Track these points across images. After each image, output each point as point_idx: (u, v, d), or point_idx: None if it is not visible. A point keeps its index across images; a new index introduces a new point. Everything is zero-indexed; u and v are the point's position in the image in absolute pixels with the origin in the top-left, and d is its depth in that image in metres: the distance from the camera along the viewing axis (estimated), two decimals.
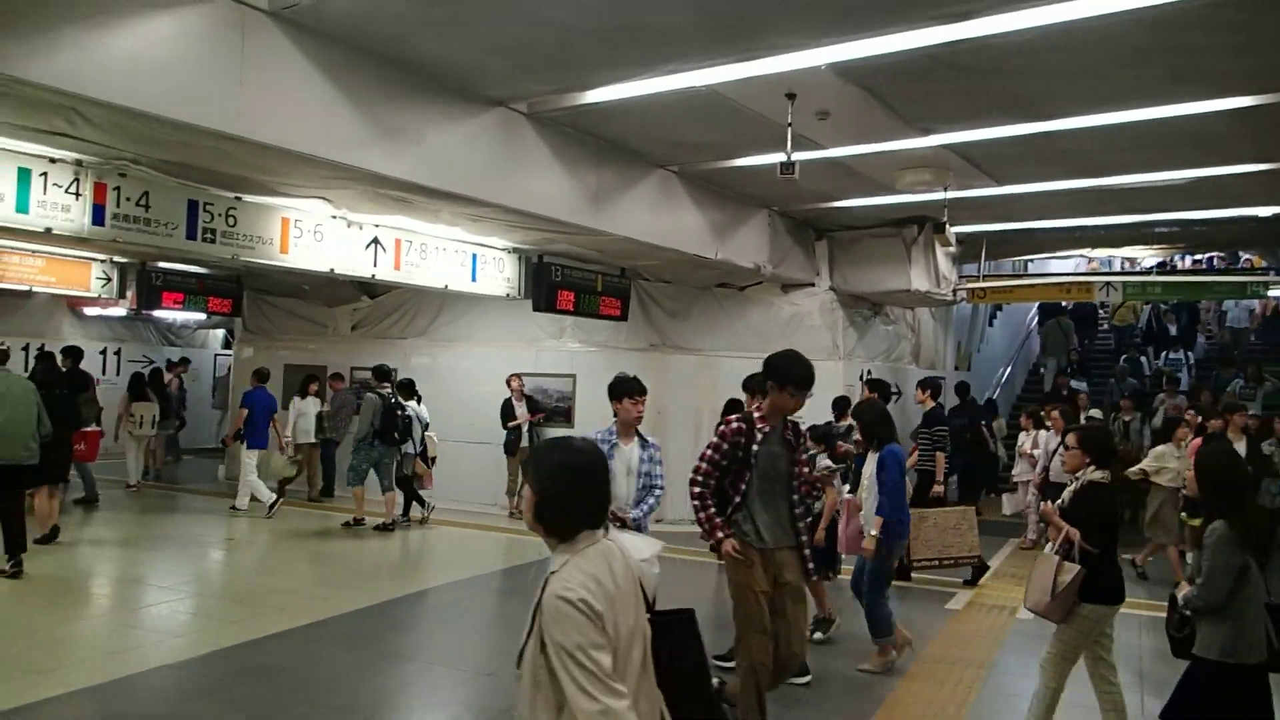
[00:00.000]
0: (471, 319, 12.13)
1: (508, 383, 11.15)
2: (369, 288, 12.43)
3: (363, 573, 8.50)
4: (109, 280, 11.66)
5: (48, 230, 6.23)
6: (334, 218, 7.96)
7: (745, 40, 5.06)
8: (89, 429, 10.21)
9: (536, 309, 9.63)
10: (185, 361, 15.94)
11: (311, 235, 7.83)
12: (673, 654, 2.41)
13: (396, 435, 9.90)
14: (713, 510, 4.50)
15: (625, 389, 5.35)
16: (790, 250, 10.30)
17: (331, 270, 8.15)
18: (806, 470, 4.75)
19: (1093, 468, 4.31)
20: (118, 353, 16.22)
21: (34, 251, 10.55)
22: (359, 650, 6.12)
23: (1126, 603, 4.36)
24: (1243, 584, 3.60)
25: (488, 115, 6.36)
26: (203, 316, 13.91)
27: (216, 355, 18.49)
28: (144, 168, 6.38)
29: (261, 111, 4.89)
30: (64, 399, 8.49)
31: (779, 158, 6.38)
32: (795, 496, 4.61)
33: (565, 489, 2.28)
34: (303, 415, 11.71)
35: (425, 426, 10.55)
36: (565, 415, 11.67)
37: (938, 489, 8.77)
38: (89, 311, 15.33)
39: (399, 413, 9.98)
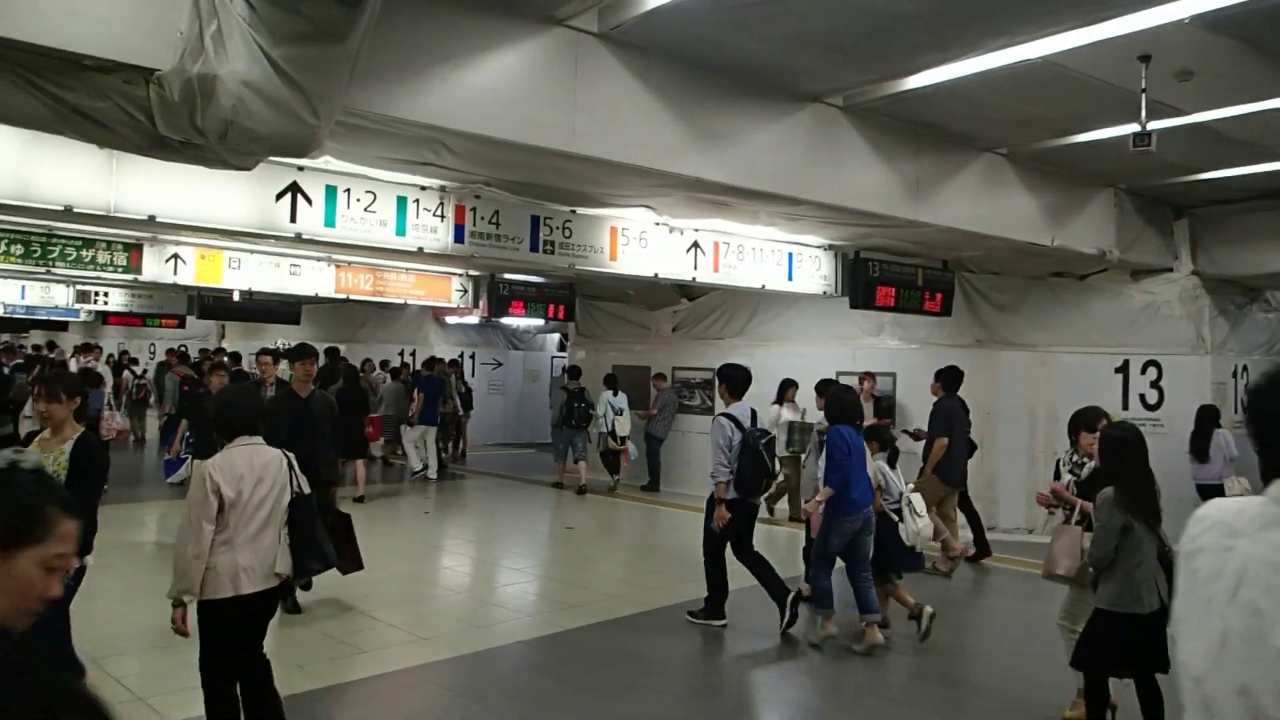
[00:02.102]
0: (788, 318, 12.14)
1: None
2: (688, 290, 12.88)
3: (695, 565, 8.81)
4: (466, 292, 13.12)
5: (420, 250, 7.11)
6: (657, 224, 8.34)
7: (1091, 2, 4.59)
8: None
9: (854, 306, 9.43)
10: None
11: (637, 242, 8.27)
12: (302, 517, 3.99)
13: (574, 420, 12.43)
14: None
15: None
16: (1141, 232, 9.20)
17: (655, 274, 8.54)
18: None
19: None
20: (472, 356, 18.21)
21: (407, 269, 12.15)
22: (691, 640, 6.35)
23: None
24: (1127, 543, 4.12)
25: (802, 112, 6.33)
26: (541, 322, 15.22)
27: (553, 357, 20.15)
28: (494, 189, 7.08)
29: (593, 129, 5.24)
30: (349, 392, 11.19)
31: (1130, 129, 5.72)
32: None
33: (223, 410, 4.06)
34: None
35: (618, 412, 12.45)
36: (887, 414, 11.30)
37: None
38: (450, 320, 17.40)
39: (576, 403, 12.47)
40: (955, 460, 8.66)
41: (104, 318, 17.75)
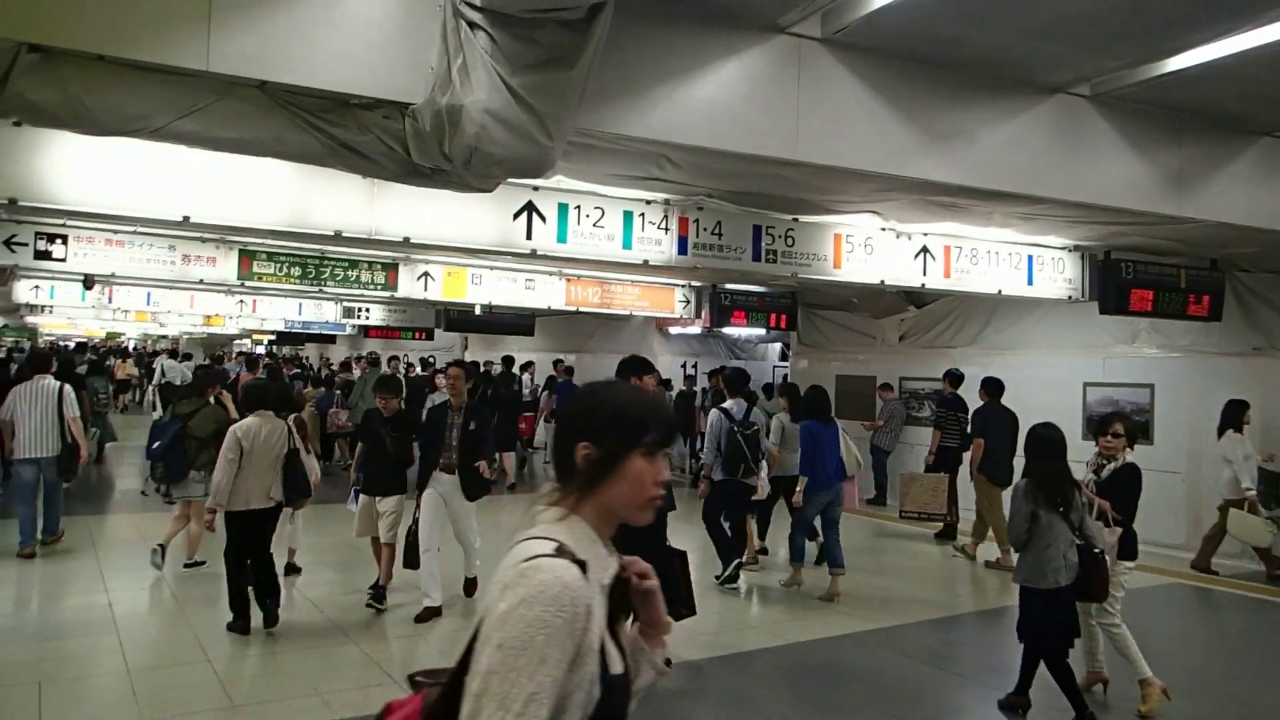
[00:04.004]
0: (1027, 325, 11.38)
1: None
2: (915, 297, 12.40)
3: (928, 583, 8.47)
4: (688, 302, 13.32)
5: (645, 262, 7.31)
6: (883, 230, 8.09)
7: None
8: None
9: (1104, 311, 8.68)
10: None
11: (862, 249, 8.06)
12: (291, 464, 6.09)
13: None
14: None
15: None
16: None
17: (881, 282, 8.28)
18: None
19: (1128, 452, 5.38)
20: (694, 365, 18.46)
21: (632, 281, 12.52)
22: (918, 661, 6.10)
23: None
24: (1037, 527, 4.80)
25: (1043, 105, 5.92)
26: (763, 331, 15.16)
27: (775, 366, 20.03)
28: (716, 200, 7.15)
29: (816, 135, 5.17)
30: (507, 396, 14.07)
31: None
32: None
33: (249, 394, 6.29)
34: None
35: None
36: (1143, 430, 10.31)
37: (929, 459, 10.36)
38: (672, 330, 17.74)
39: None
40: (998, 460, 9.24)
41: (365, 331, 19.61)
